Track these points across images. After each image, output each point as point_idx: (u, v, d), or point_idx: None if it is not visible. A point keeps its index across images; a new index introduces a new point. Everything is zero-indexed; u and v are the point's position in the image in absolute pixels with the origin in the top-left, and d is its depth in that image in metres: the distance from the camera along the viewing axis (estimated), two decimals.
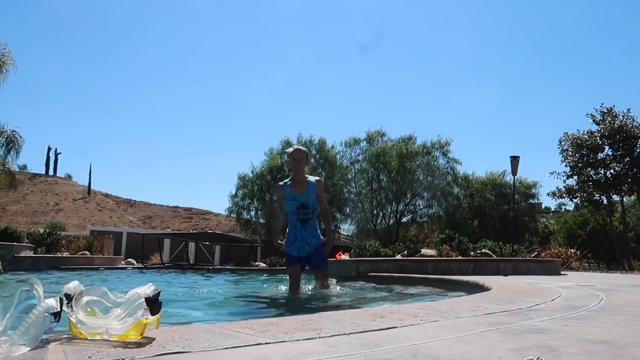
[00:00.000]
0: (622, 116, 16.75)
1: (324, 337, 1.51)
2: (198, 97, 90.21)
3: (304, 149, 4.80)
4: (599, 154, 16.91)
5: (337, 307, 3.53)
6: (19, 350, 1.23)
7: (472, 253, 9.79)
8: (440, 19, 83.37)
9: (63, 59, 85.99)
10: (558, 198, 18.88)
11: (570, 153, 17.28)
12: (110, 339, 1.39)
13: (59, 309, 1.35)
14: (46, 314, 1.31)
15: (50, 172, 63.23)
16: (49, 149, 64.61)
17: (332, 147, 26.02)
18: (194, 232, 30.68)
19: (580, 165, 16.98)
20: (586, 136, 17.08)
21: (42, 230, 16.32)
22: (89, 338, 1.40)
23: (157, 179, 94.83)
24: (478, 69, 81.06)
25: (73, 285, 1.47)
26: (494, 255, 9.32)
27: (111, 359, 1.19)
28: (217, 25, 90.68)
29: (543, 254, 12.45)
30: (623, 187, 16.64)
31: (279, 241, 4.78)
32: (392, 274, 6.85)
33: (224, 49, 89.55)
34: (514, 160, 14.87)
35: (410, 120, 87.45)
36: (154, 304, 1.42)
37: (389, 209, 25.82)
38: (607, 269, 15.75)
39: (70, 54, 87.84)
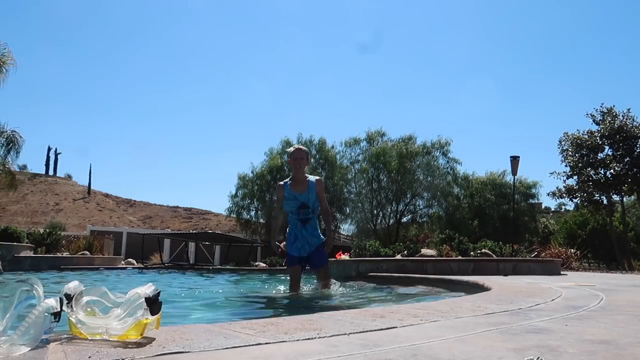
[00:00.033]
0: (622, 116, 16.75)
1: (324, 337, 1.51)
2: (198, 97, 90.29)
3: (304, 148, 4.80)
4: (599, 154, 16.92)
5: (337, 307, 3.53)
6: (19, 350, 1.23)
7: (472, 253, 9.79)
8: (440, 19, 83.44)
9: (63, 59, 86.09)
10: (558, 198, 18.91)
11: (570, 153, 17.28)
12: (110, 339, 1.39)
13: (59, 309, 1.35)
14: (46, 314, 1.31)
15: (50, 172, 63.26)
16: (49, 149, 64.68)
17: (332, 147, 26.05)
18: (194, 232, 30.68)
19: (580, 165, 16.98)
20: (586, 136, 17.08)
21: (42, 230, 16.32)
22: (89, 338, 1.40)
23: (157, 179, 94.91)
24: (478, 69, 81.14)
25: (73, 285, 1.47)
26: (494, 255, 9.32)
27: (111, 359, 1.19)
28: (217, 25, 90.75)
29: (543, 254, 12.45)
30: (623, 187, 16.64)
31: (277, 242, 4.78)
32: (392, 274, 6.85)
33: (224, 49, 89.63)
34: (514, 160, 14.87)
35: (410, 120, 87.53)
36: (154, 304, 1.42)
37: (389, 209, 25.83)
38: (607, 269, 15.75)
39: (70, 54, 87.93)
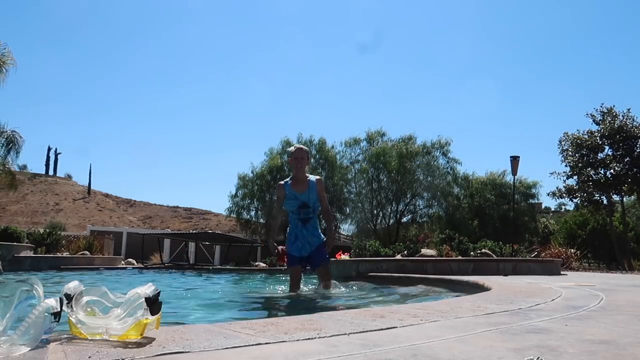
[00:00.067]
0: (622, 116, 16.75)
1: (324, 337, 1.51)
2: (198, 97, 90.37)
3: (305, 148, 4.80)
4: (599, 154, 16.91)
5: (337, 307, 3.53)
6: (19, 350, 1.23)
7: (472, 253, 9.79)
8: (440, 19, 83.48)
9: (63, 59, 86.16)
10: (558, 198, 18.91)
11: (570, 153, 17.28)
12: (110, 339, 1.39)
13: (59, 309, 1.35)
14: (46, 314, 1.31)
15: (50, 172, 63.27)
16: (49, 149, 64.70)
17: (332, 147, 26.05)
18: (194, 232, 30.69)
19: (580, 165, 16.98)
20: (586, 136, 17.08)
21: (42, 230, 16.32)
22: (89, 338, 1.40)
23: (157, 179, 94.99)
24: (478, 69, 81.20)
25: (73, 285, 1.47)
26: (494, 255, 9.32)
27: (111, 359, 1.19)
28: (217, 25, 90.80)
29: (543, 254, 12.45)
30: (623, 187, 16.64)
31: (275, 243, 4.77)
32: (392, 274, 6.85)
33: (224, 49, 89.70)
34: (514, 160, 14.87)
35: (410, 120, 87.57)
36: (154, 304, 1.42)
37: (389, 209, 25.82)
38: (607, 269, 15.75)
39: (70, 54, 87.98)
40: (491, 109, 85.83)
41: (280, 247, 4.72)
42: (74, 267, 12.35)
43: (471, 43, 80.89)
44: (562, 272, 8.29)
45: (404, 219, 26.61)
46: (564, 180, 17.81)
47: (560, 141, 17.70)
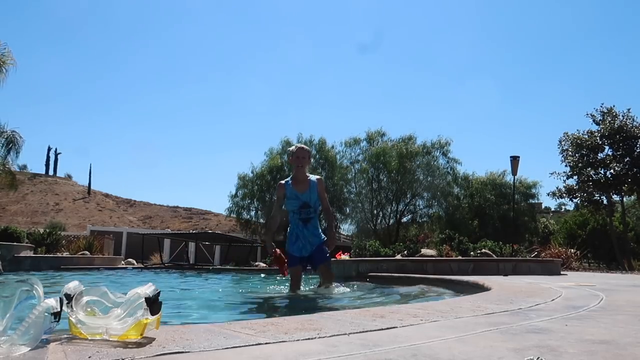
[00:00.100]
0: (622, 116, 16.75)
1: (324, 337, 1.51)
2: (198, 97, 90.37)
3: (307, 147, 4.80)
4: (599, 154, 16.91)
5: (337, 307, 3.53)
6: (19, 350, 1.23)
7: (472, 253, 9.80)
8: (440, 19, 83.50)
9: (63, 59, 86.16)
10: (558, 198, 18.91)
11: (570, 153, 17.28)
12: (110, 339, 1.39)
13: (59, 309, 1.35)
14: (46, 314, 1.31)
15: (50, 172, 63.26)
16: (49, 149, 64.70)
17: (332, 147, 26.05)
18: (194, 232, 30.69)
19: (580, 165, 16.98)
20: (586, 136, 17.08)
21: (42, 230, 16.33)
22: (89, 338, 1.40)
23: (157, 179, 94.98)
24: (478, 69, 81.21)
25: (73, 285, 1.47)
26: (494, 255, 9.32)
27: (111, 359, 1.19)
28: (217, 25, 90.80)
29: (543, 254, 12.45)
30: (623, 187, 16.64)
31: (272, 243, 4.76)
32: (392, 274, 6.85)
33: (224, 49, 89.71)
34: (514, 160, 14.88)
35: (410, 120, 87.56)
36: (154, 304, 1.42)
37: (389, 209, 25.82)
38: (607, 269, 15.74)
39: (70, 54, 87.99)
40: (491, 109, 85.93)
41: (276, 250, 4.70)
42: (74, 267, 12.35)
43: (471, 43, 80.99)
44: (562, 272, 8.29)
45: (404, 219, 26.62)
46: (564, 180, 17.83)
47: (560, 141, 17.71)
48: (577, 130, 17.52)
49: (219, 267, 17.49)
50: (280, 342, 1.43)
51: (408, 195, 25.46)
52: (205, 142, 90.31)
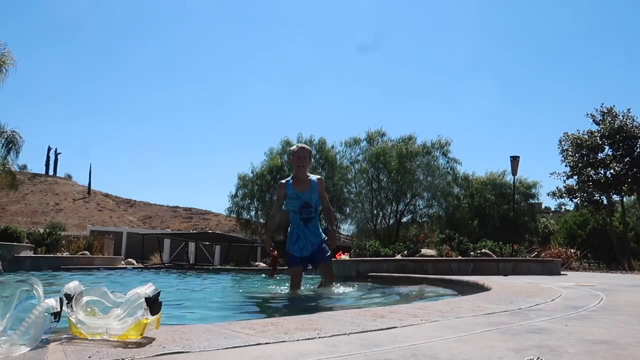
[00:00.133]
0: (622, 116, 16.75)
1: (324, 337, 1.51)
2: (198, 97, 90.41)
3: (308, 147, 4.79)
4: (599, 154, 16.91)
5: (337, 307, 3.53)
6: (19, 350, 1.23)
7: (472, 253, 9.80)
8: (440, 19, 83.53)
9: (63, 59, 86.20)
10: (558, 198, 18.91)
11: (570, 153, 17.28)
12: (110, 339, 1.39)
13: (59, 309, 1.35)
14: (46, 314, 1.31)
15: (50, 172, 63.26)
16: (49, 149, 64.70)
17: (332, 147, 26.04)
18: (194, 232, 30.69)
19: (580, 165, 16.98)
20: (586, 136, 17.08)
21: (42, 230, 16.33)
22: (89, 338, 1.40)
23: (157, 179, 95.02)
24: (478, 69, 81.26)
25: (73, 285, 1.47)
26: (494, 255, 9.32)
27: (111, 359, 1.19)
28: (217, 25, 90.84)
29: (543, 254, 12.45)
30: (623, 187, 16.64)
31: (271, 242, 4.75)
32: (392, 274, 6.85)
33: (224, 49, 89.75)
34: (514, 160, 14.88)
35: (410, 120, 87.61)
36: (154, 304, 1.42)
37: (389, 209, 25.82)
38: (607, 269, 15.75)
39: (70, 54, 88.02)
40: (491, 109, 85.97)
41: (274, 251, 4.71)
42: (74, 267, 12.35)
43: (471, 43, 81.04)
44: (562, 272, 8.29)
45: (404, 219, 26.62)
46: (564, 180, 17.83)
47: (560, 141, 17.71)
48: (577, 130, 17.56)
49: (219, 267, 17.50)
50: (280, 342, 1.43)
51: (408, 195, 25.45)
52: (205, 142, 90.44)
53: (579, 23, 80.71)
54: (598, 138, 16.78)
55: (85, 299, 1.47)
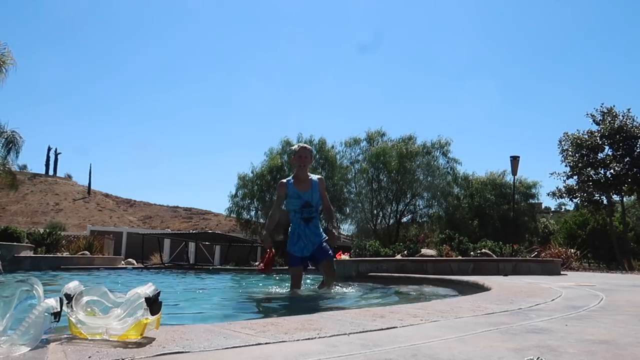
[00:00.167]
0: (622, 116, 16.75)
1: (324, 337, 1.51)
2: (198, 97, 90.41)
3: (309, 147, 4.78)
4: (599, 154, 16.91)
5: (337, 307, 3.53)
6: (19, 350, 1.23)
7: (472, 253, 9.80)
8: (440, 19, 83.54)
9: (63, 59, 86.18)
10: (558, 198, 18.91)
11: (570, 153, 17.28)
12: (110, 339, 1.39)
13: (59, 309, 1.35)
14: (46, 314, 1.31)
15: (50, 172, 63.25)
16: (49, 149, 64.69)
17: (332, 147, 26.01)
18: (194, 232, 30.68)
19: (580, 165, 16.98)
20: (586, 136, 17.08)
21: (42, 230, 16.32)
22: (89, 338, 1.40)
23: (157, 179, 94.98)
24: (478, 69, 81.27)
25: (73, 285, 1.47)
26: (494, 255, 9.32)
27: (111, 359, 1.19)
28: (217, 25, 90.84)
29: (543, 254, 12.45)
30: (623, 187, 16.63)
31: (270, 240, 4.74)
32: (392, 274, 6.85)
33: (224, 49, 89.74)
34: (514, 160, 14.88)
35: (410, 120, 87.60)
36: (154, 304, 1.42)
37: (389, 209, 25.81)
38: (607, 269, 15.74)
39: (70, 54, 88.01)
40: (491, 109, 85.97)
41: (271, 251, 4.68)
42: (74, 267, 12.34)
43: (471, 43, 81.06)
44: (562, 272, 8.29)
45: (404, 219, 26.60)
46: (564, 180, 17.83)
47: (560, 141, 17.71)
48: (577, 130, 17.55)
49: (219, 267, 17.50)
50: (280, 342, 1.43)
51: (408, 195, 25.44)
52: (205, 142, 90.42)
53: (579, 23, 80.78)
54: (598, 138, 16.78)
55: (85, 299, 1.47)
